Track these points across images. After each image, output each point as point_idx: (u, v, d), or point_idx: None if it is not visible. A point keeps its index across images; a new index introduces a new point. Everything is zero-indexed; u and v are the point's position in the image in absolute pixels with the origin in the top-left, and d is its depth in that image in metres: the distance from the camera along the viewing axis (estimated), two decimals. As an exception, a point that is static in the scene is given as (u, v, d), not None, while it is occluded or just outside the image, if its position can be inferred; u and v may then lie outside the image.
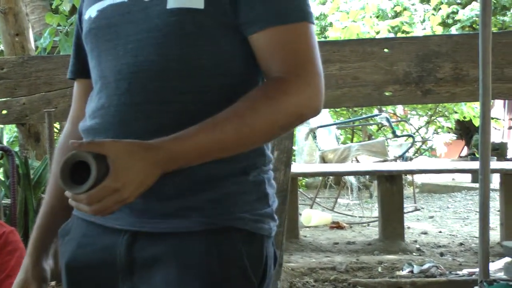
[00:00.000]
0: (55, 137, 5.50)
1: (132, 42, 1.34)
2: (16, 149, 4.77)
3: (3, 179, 3.78)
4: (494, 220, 6.60)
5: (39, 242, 1.57)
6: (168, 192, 1.31)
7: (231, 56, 1.34)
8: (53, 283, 3.38)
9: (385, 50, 4.13)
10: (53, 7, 7.50)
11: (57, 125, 6.21)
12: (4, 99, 4.26)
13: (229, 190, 1.33)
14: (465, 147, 14.54)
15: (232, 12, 1.31)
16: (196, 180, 1.31)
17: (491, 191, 4.51)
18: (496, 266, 4.67)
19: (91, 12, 1.44)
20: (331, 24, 11.45)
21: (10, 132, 8.09)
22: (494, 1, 12.82)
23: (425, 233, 6.98)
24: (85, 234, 1.43)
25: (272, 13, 1.30)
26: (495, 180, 8.28)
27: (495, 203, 7.54)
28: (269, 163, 1.42)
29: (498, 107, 15.35)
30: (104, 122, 1.36)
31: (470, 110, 10.30)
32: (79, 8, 1.57)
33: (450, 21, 12.61)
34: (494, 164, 6.85)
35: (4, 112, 4.27)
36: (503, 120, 13.91)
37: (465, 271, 4.90)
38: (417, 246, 6.14)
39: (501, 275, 4.27)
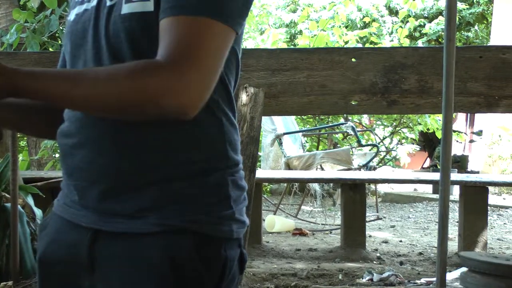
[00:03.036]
0: (17, 135, 5.44)
1: (95, 48, 1.35)
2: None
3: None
4: (453, 230, 6.71)
5: None
6: (126, 192, 1.32)
7: None
8: (10, 283, 3.36)
9: (353, 59, 4.18)
10: (21, 3, 7.44)
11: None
12: (-35, 95, 4.22)
13: (186, 191, 1.32)
14: (428, 159, 14.72)
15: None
16: (153, 181, 1.32)
17: (451, 202, 4.57)
18: (453, 276, 4.76)
19: (71, 15, 1.46)
20: (300, 32, 11.54)
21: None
22: (459, 17, 13.03)
23: (386, 242, 7.06)
24: (58, 230, 1.45)
25: (177, 4, 1.24)
26: (455, 192, 8.43)
27: (454, 214, 7.68)
28: (235, 165, 1.41)
29: (460, 120, 15.58)
30: (70, 125, 1.39)
31: (434, 122, 10.44)
32: (69, 10, 1.59)
33: (417, 34, 12.79)
34: (455, 176, 6.97)
35: (-35, 108, 4.22)
36: (465, 133, 14.11)
37: (423, 280, 4.97)
38: (378, 254, 6.21)
39: (457, 284, 4.36)
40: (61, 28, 6.61)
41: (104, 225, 1.34)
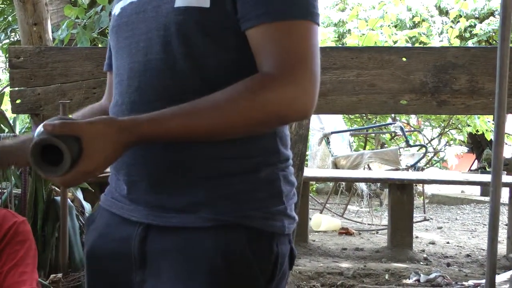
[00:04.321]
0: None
1: (144, 41, 1.37)
2: (28, 139, 4.75)
3: (14, 168, 3.77)
4: (501, 233, 6.61)
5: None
6: (179, 187, 1.33)
7: (236, 54, 1.33)
8: (59, 275, 3.41)
9: (403, 59, 4.16)
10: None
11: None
12: (19, 88, 4.23)
13: (239, 187, 1.33)
14: (476, 161, 14.51)
15: (234, 9, 1.30)
16: (206, 177, 1.33)
17: (500, 205, 4.50)
18: (502, 278, 4.70)
19: (116, 10, 1.48)
20: (349, 31, 11.49)
21: (22, 123, 8.14)
22: (513, 17, 12.80)
23: (433, 243, 7.01)
24: (107, 224, 1.46)
25: (268, 9, 1.26)
26: (504, 195, 8.29)
27: (503, 217, 7.56)
28: (285, 161, 1.41)
29: (510, 122, 15.32)
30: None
31: (483, 124, 10.29)
32: (113, 4, 1.62)
33: (467, 34, 12.61)
34: (504, 178, 6.86)
35: (18, 101, 4.21)
36: (516, 136, 13.88)
37: (471, 282, 4.92)
38: (425, 255, 6.16)
39: (507, 287, 4.31)
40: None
41: (155, 219, 1.35)
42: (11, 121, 4.59)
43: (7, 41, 9.03)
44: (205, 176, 1.33)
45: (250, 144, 1.34)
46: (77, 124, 1.20)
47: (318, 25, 1.31)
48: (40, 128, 1.24)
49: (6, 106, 5.13)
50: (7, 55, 5.56)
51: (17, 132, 4.80)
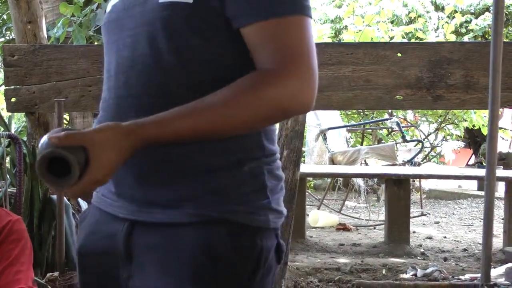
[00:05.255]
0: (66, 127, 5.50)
1: (130, 36, 1.38)
2: (24, 138, 4.75)
3: (9, 167, 3.76)
4: (498, 227, 6.64)
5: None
6: (164, 182, 1.34)
7: (222, 49, 1.34)
8: (56, 273, 3.41)
9: (398, 54, 4.18)
10: (68, -3, 7.54)
11: (66, 116, 6.21)
12: (14, 86, 4.23)
13: (222, 182, 1.34)
14: (473, 156, 14.54)
15: (221, 5, 1.31)
16: (190, 172, 1.34)
17: (496, 200, 4.52)
18: (497, 272, 4.72)
19: (108, 7, 1.50)
20: (346, 28, 11.50)
21: (18, 122, 8.14)
22: (506, 13, 12.83)
23: (430, 238, 7.01)
24: (97, 221, 1.48)
25: (262, 7, 1.28)
26: (501, 189, 8.33)
27: (499, 211, 7.58)
28: (271, 155, 1.41)
29: (506, 118, 15.35)
30: (105, 115, 1.41)
31: (479, 119, 10.32)
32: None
33: (463, 30, 12.63)
34: (500, 172, 6.88)
35: (13, 100, 4.23)
36: (511, 130, 13.90)
37: (468, 276, 4.94)
38: (422, 250, 6.17)
39: (502, 280, 4.33)
40: (107, 22, 6.68)
41: (140, 215, 1.36)
42: (6, 120, 4.59)
43: (2, 39, 9.02)
44: (189, 171, 1.34)
45: (233, 139, 1.34)
46: (81, 134, 1.22)
47: (311, 17, 1.33)
48: (44, 140, 1.25)
49: (1, 105, 5.13)
50: (1, 54, 5.56)
51: (12, 131, 4.79)
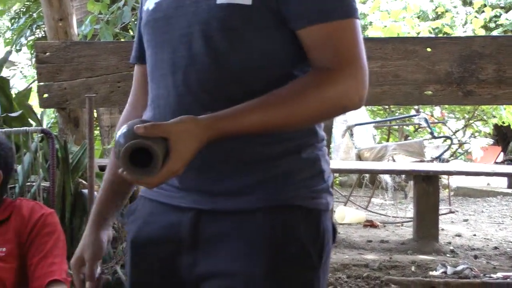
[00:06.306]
0: (94, 123, 5.54)
1: (184, 35, 1.42)
2: (55, 133, 4.80)
3: (42, 162, 3.80)
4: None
5: (98, 215, 1.65)
6: (229, 171, 1.40)
7: (276, 48, 1.41)
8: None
9: (428, 49, 4.14)
10: (95, -6, 7.59)
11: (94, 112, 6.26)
12: (46, 83, 4.28)
13: (285, 168, 1.41)
14: (502, 153, 14.40)
15: (279, 7, 1.38)
16: (254, 161, 1.40)
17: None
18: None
19: (149, 4, 1.51)
20: (371, 23, 11.43)
21: (48, 118, 8.21)
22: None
23: (459, 235, 6.96)
24: (151, 213, 1.52)
25: (321, 10, 1.36)
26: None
27: (531, 209, 7.50)
28: (322, 141, 1.49)
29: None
30: (163, 112, 1.44)
31: (510, 115, 10.20)
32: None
33: (492, 25, 12.50)
34: (532, 169, 6.81)
35: (45, 96, 4.29)
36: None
37: (500, 274, 4.88)
38: (451, 248, 6.11)
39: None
40: (133, 19, 6.73)
41: (208, 204, 1.42)
42: (39, 116, 4.64)
43: (33, 37, 9.11)
44: (252, 160, 1.40)
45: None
46: (166, 125, 1.27)
47: (360, 19, 1.43)
48: (123, 130, 1.28)
49: (33, 101, 5.19)
50: (32, 51, 5.61)
51: (44, 126, 4.84)
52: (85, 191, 3.78)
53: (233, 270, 1.39)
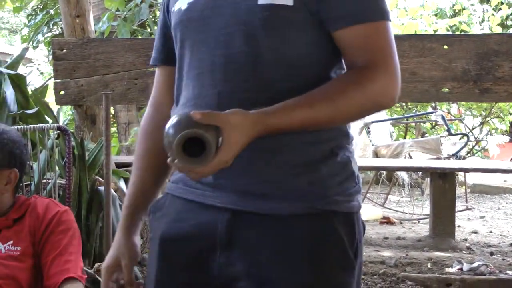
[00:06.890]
0: (111, 120, 5.55)
1: (224, 35, 1.44)
2: (72, 130, 4.81)
3: (58, 159, 3.81)
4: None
5: (129, 219, 1.64)
6: (267, 174, 1.41)
7: (315, 48, 1.45)
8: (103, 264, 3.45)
9: (445, 46, 4.13)
10: (113, -8, 7.61)
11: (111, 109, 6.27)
12: (63, 80, 4.30)
13: (321, 172, 1.43)
14: (519, 150, 14.29)
15: (318, 8, 1.41)
16: (293, 163, 1.42)
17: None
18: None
19: (181, 5, 1.52)
20: (388, 21, 11.37)
21: (64, 115, 8.23)
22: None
23: (475, 232, 6.93)
24: (181, 211, 1.52)
25: (358, 12, 1.41)
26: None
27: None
28: (351, 142, 1.52)
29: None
30: (195, 109, 1.42)
31: (526, 113, 10.14)
32: (164, 0, 1.65)
33: (509, 22, 12.42)
34: (549, 166, 6.75)
35: (62, 93, 4.31)
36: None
37: (516, 271, 4.87)
38: (467, 244, 6.10)
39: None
40: (150, 16, 6.75)
41: (246, 205, 1.42)
42: (55, 113, 4.65)
43: (49, 34, 9.15)
44: (291, 162, 1.42)
45: (330, 128, 1.45)
46: (222, 115, 1.29)
47: (391, 21, 1.47)
48: (173, 121, 1.29)
49: (49, 98, 5.21)
50: (49, 48, 5.64)
51: (60, 123, 4.85)
52: (102, 188, 3.79)
53: (276, 277, 1.40)
